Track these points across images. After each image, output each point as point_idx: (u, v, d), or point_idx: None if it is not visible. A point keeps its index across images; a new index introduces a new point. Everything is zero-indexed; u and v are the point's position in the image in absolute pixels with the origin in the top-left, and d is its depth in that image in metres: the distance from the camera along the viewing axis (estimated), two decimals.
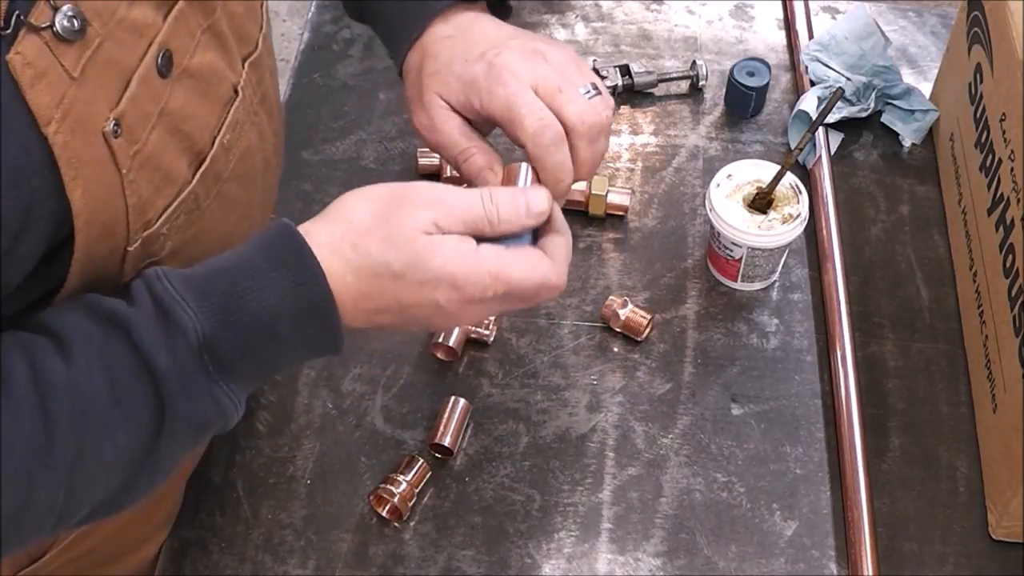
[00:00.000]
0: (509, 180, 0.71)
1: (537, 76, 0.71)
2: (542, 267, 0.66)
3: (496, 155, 0.73)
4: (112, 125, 0.59)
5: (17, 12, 0.53)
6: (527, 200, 0.67)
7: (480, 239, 0.65)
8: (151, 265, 0.67)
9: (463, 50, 0.74)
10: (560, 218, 0.70)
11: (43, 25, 0.54)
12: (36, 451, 0.56)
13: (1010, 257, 0.87)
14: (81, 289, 0.63)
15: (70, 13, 0.56)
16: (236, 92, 0.72)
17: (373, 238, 0.64)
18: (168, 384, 0.59)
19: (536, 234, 0.69)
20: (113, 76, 0.60)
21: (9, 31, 0.53)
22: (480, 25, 0.76)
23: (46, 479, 0.57)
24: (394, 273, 0.64)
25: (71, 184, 0.57)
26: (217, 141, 0.70)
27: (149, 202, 0.64)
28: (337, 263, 0.63)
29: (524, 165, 0.70)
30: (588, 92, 0.71)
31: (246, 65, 0.74)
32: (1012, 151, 0.88)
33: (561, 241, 0.69)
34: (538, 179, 0.70)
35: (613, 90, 1.16)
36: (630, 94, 1.18)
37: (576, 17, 1.27)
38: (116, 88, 0.60)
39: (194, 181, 0.68)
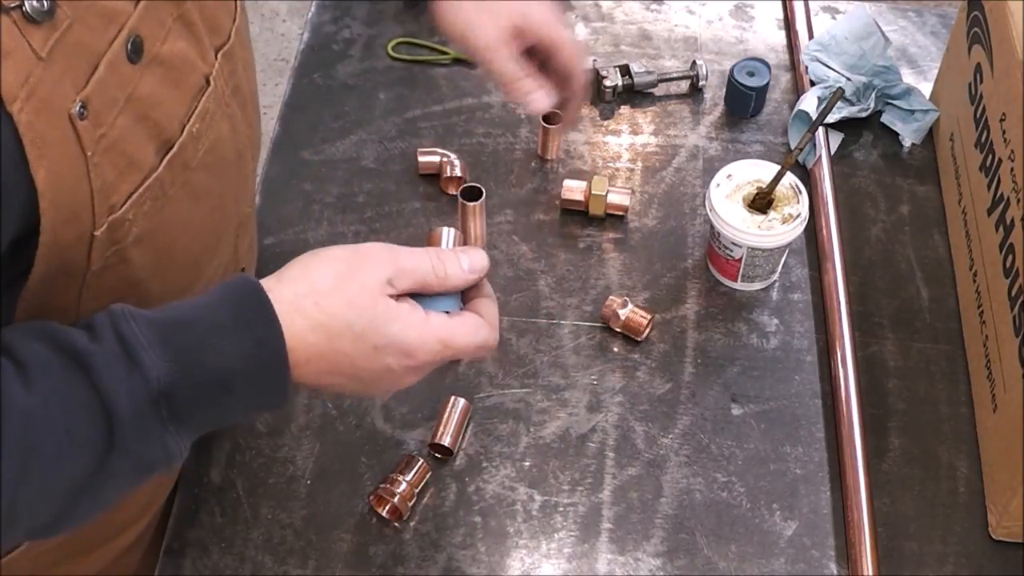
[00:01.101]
0: (433, 242, 0.78)
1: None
2: (482, 331, 0.71)
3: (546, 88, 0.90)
4: (78, 107, 0.60)
5: None
6: (469, 259, 0.72)
7: (421, 298, 0.70)
8: (118, 252, 0.67)
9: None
10: (488, 285, 0.75)
11: (12, 5, 0.55)
12: None
13: (1010, 257, 0.87)
14: (48, 278, 0.63)
15: None
16: (208, 82, 0.73)
17: (336, 298, 0.66)
18: (122, 426, 0.59)
19: (464, 299, 0.74)
20: (81, 59, 0.60)
21: None
22: None
23: None
24: (354, 334, 0.66)
25: (35, 164, 0.58)
26: (186, 129, 0.71)
27: (113, 186, 0.65)
28: (300, 321, 0.65)
29: (448, 229, 0.77)
30: None
31: (219, 56, 0.74)
32: (1012, 151, 0.88)
33: (492, 305, 0.74)
34: (462, 241, 0.77)
35: (613, 90, 1.17)
36: (630, 94, 1.18)
37: (576, 17, 1.27)
38: (84, 71, 0.61)
39: (160, 167, 0.69)
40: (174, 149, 0.70)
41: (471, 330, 0.71)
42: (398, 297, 0.68)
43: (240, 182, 0.83)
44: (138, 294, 0.72)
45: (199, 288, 0.81)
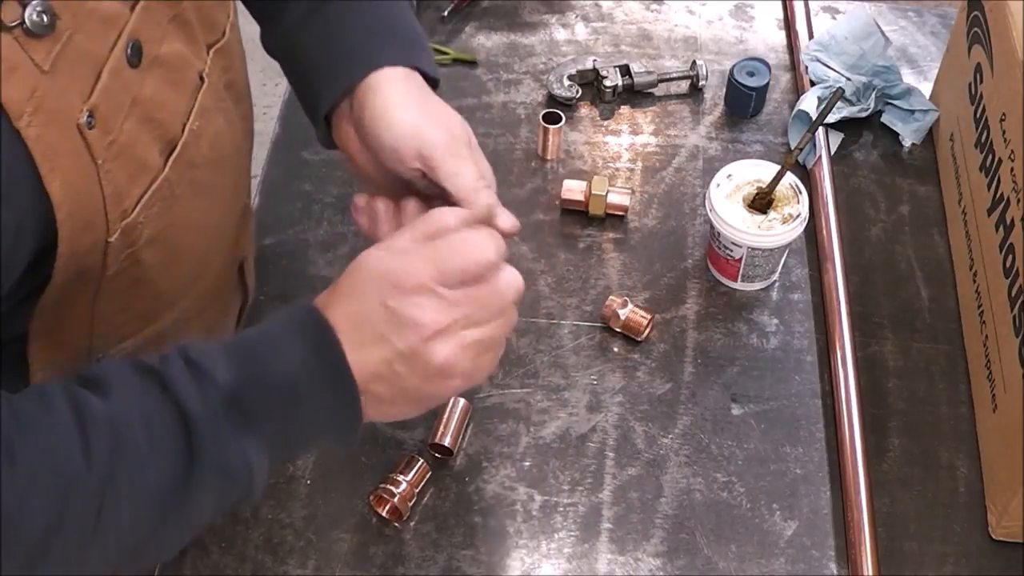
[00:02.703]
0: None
1: (465, 132, 0.75)
2: (479, 237, 0.67)
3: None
4: (86, 117, 0.60)
5: None
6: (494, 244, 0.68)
7: None
8: (131, 255, 0.68)
9: (402, 98, 0.74)
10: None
11: (13, 24, 0.55)
12: (74, 469, 0.56)
13: (1010, 257, 0.87)
14: (68, 284, 0.63)
15: (39, 8, 0.56)
16: (202, 79, 0.73)
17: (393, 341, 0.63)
18: (200, 428, 0.59)
19: None
20: (84, 68, 0.60)
21: None
22: (415, 80, 0.77)
23: (80, 502, 0.56)
24: (404, 374, 0.64)
25: (48, 177, 0.58)
26: (187, 128, 0.71)
27: (125, 191, 0.65)
28: (352, 336, 0.63)
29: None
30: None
31: (211, 52, 0.74)
32: (1012, 151, 0.88)
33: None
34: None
35: (613, 90, 1.17)
36: (630, 94, 1.18)
37: (576, 17, 1.27)
38: (88, 80, 0.61)
39: (167, 168, 0.69)
40: (178, 148, 0.70)
41: (503, 281, 0.67)
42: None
43: (239, 174, 0.84)
44: (147, 292, 0.73)
45: (205, 281, 0.81)
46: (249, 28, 0.83)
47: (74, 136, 0.60)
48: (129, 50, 0.64)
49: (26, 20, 0.55)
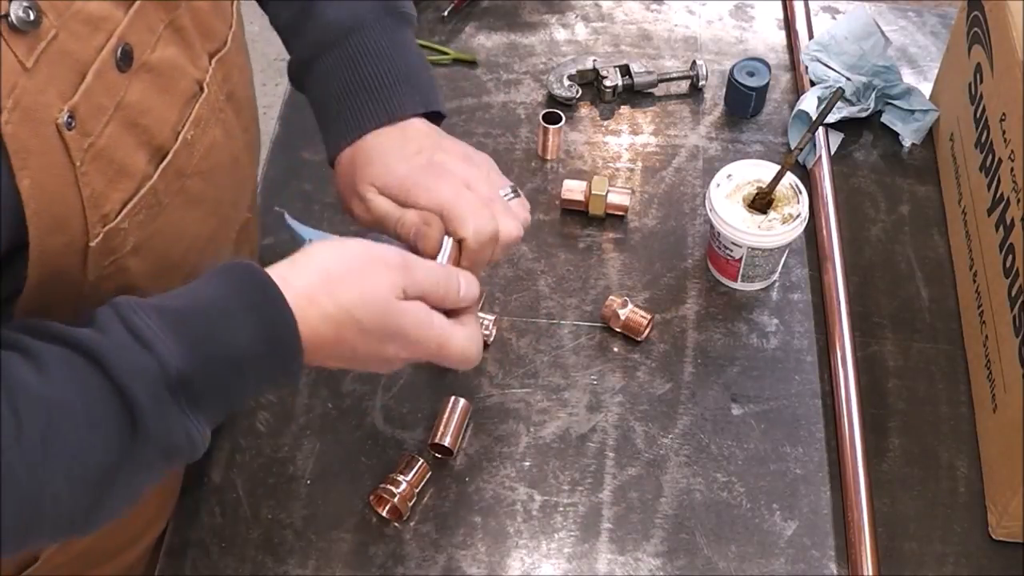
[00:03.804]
0: (428, 248, 0.77)
1: (469, 176, 0.79)
2: (474, 346, 0.74)
3: (426, 213, 0.77)
4: (66, 117, 0.60)
5: None
6: (465, 284, 0.74)
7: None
8: (115, 262, 0.67)
9: (399, 146, 0.79)
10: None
11: None
12: (8, 453, 0.55)
13: (1010, 257, 0.87)
14: (43, 289, 0.63)
15: (25, 3, 0.56)
16: (201, 88, 0.72)
17: (349, 291, 0.67)
18: (142, 409, 0.59)
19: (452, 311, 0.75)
20: (67, 68, 0.60)
21: None
22: (414, 125, 0.81)
23: (15, 484, 0.55)
24: (363, 329, 0.68)
25: (19, 174, 0.57)
26: (180, 136, 0.70)
27: (104, 195, 0.64)
28: (313, 312, 0.66)
29: (447, 239, 0.76)
30: (508, 195, 0.80)
31: (213, 61, 0.74)
32: (1012, 151, 0.88)
33: (475, 321, 0.76)
34: (458, 252, 0.76)
35: (613, 90, 1.17)
36: (630, 94, 1.18)
37: (576, 17, 1.27)
38: (70, 80, 0.60)
39: (155, 176, 0.68)
40: (168, 157, 0.69)
41: (465, 342, 0.73)
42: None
43: (237, 187, 0.83)
44: None
45: None
46: (249, 29, 0.83)
47: (51, 135, 0.59)
48: (119, 53, 0.63)
49: (11, 14, 0.55)
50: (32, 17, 0.56)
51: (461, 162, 0.79)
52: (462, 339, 0.73)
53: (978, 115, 0.98)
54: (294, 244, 0.73)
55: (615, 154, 1.13)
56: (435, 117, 0.83)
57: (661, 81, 1.18)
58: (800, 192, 0.97)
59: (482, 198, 0.77)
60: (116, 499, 0.61)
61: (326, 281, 0.67)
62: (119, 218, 0.66)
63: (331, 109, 0.82)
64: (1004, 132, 0.90)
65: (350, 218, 0.82)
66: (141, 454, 0.60)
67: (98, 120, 0.63)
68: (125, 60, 0.64)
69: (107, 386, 0.58)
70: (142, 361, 0.59)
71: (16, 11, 0.55)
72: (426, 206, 0.77)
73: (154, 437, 0.60)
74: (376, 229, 0.79)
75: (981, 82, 0.97)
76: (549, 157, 1.13)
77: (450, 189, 0.77)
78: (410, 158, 0.79)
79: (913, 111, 1.12)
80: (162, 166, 0.69)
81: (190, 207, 0.73)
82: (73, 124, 0.60)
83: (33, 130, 0.58)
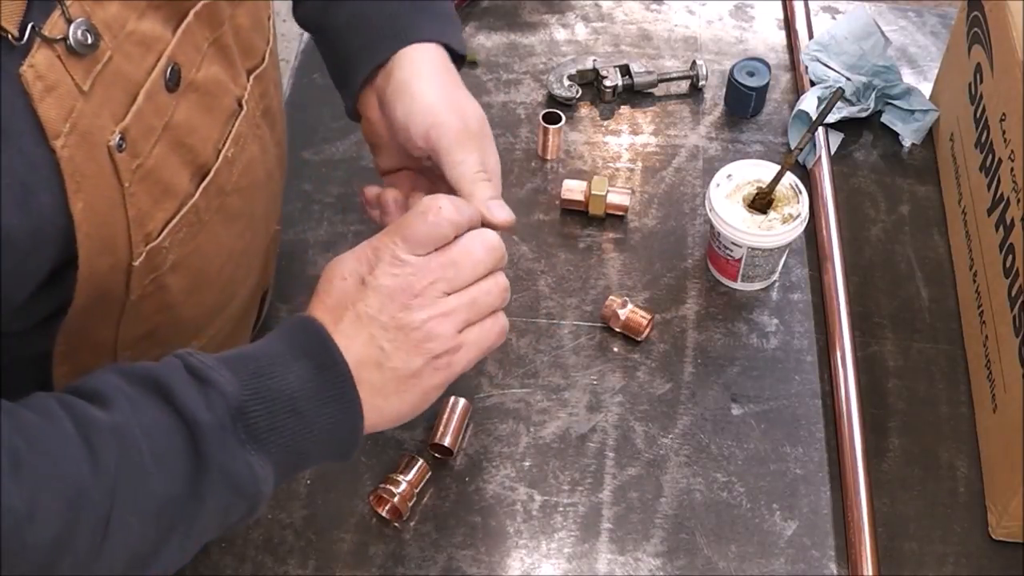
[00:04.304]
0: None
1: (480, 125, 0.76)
2: (483, 234, 0.68)
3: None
4: (117, 139, 0.59)
5: (32, 23, 0.53)
6: (454, 205, 0.68)
7: None
8: (155, 280, 0.67)
9: (427, 77, 0.76)
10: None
11: (57, 38, 0.54)
12: (84, 481, 0.54)
13: (1010, 257, 0.87)
14: (88, 307, 0.63)
15: (84, 27, 0.55)
16: (240, 105, 0.72)
17: (334, 293, 0.66)
18: (207, 438, 0.58)
19: None
20: (120, 90, 0.60)
21: (23, 42, 0.53)
22: (442, 60, 0.79)
23: (89, 513, 0.55)
24: (370, 315, 0.65)
25: (73, 197, 0.57)
26: (221, 154, 0.70)
27: (149, 215, 0.64)
28: (346, 343, 0.64)
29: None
30: None
31: (251, 78, 0.74)
32: (1012, 151, 0.88)
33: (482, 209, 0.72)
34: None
35: (613, 90, 1.17)
36: (630, 94, 1.18)
37: (576, 17, 1.27)
38: (123, 102, 0.60)
39: (197, 194, 0.68)
40: (210, 175, 0.69)
41: (468, 238, 0.67)
42: None
43: (270, 201, 0.82)
44: (172, 318, 0.72)
45: (232, 309, 0.81)
46: None
47: (103, 158, 0.59)
48: (168, 73, 0.63)
49: (70, 38, 0.55)
50: (91, 40, 0.56)
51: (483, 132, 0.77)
52: (474, 242, 0.67)
53: (978, 115, 0.98)
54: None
55: (615, 154, 1.13)
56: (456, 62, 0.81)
57: (661, 81, 1.18)
58: (800, 192, 0.97)
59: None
60: (185, 535, 0.60)
61: (320, 300, 0.66)
62: (161, 237, 0.66)
63: (374, 23, 0.79)
64: (1004, 132, 0.90)
65: (371, 147, 0.81)
66: (207, 486, 0.59)
67: (147, 141, 0.62)
68: (174, 80, 0.63)
69: (170, 416, 0.58)
70: (203, 392, 0.59)
71: (75, 34, 0.55)
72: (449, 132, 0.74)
73: (219, 467, 0.59)
74: (381, 159, 0.78)
75: (981, 82, 0.97)
76: (549, 157, 1.13)
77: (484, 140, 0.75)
78: (449, 88, 0.77)
79: (913, 111, 1.12)
80: (204, 184, 0.69)
81: (228, 223, 0.73)
82: (124, 146, 0.60)
83: (88, 153, 0.58)
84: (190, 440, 0.58)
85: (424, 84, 0.75)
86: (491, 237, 0.69)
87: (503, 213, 0.73)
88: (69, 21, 0.55)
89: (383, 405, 0.66)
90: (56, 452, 0.54)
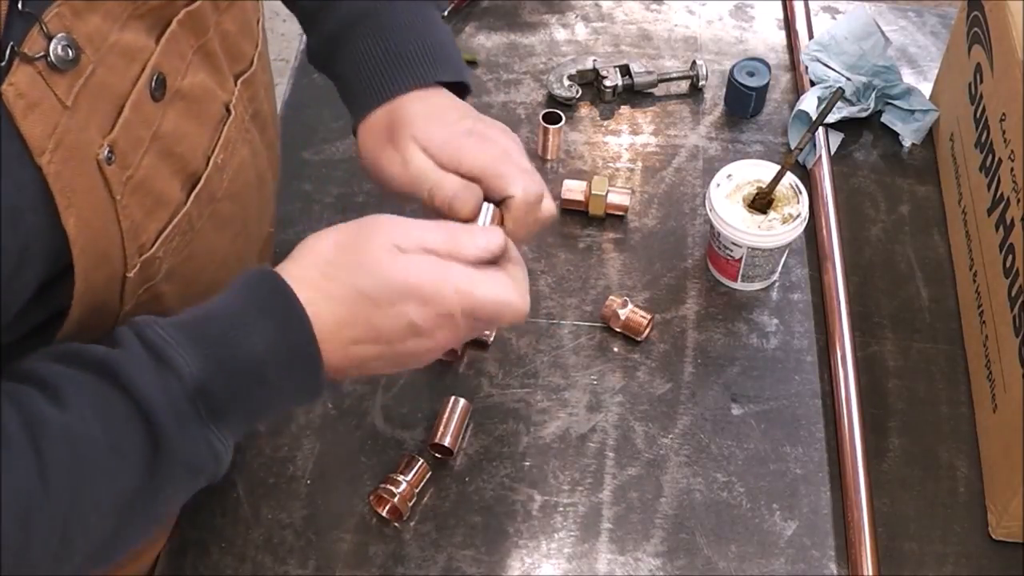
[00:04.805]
0: (467, 216, 0.74)
1: (509, 147, 0.76)
2: (507, 289, 0.67)
3: (465, 182, 0.73)
4: (106, 152, 0.59)
5: (11, 43, 0.53)
6: (486, 238, 0.69)
7: None
8: (149, 289, 0.67)
9: (440, 112, 0.76)
10: (516, 251, 0.71)
11: (37, 55, 0.54)
12: (32, 494, 0.54)
13: (1010, 257, 0.87)
14: (84, 319, 0.62)
15: (64, 42, 0.55)
16: (228, 111, 0.72)
17: (346, 266, 0.65)
18: (164, 426, 0.58)
19: None
20: (106, 102, 0.59)
21: (3, 62, 0.52)
22: (449, 94, 0.79)
23: (42, 524, 0.54)
24: (366, 296, 0.64)
25: (65, 213, 0.57)
26: (211, 161, 0.70)
27: (142, 226, 0.64)
28: (318, 297, 0.63)
29: (487, 205, 0.73)
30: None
31: (239, 83, 0.73)
32: (1012, 151, 0.88)
33: (519, 270, 0.70)
34: (500, 219, 0.73)
35: (613, 90, 1.17)
36: (630, 94, 1.18)
37: (576, 17, 1.27)
38: (109, 114, 0.60)
39: (188, 203, 0.68)
40: (200, 182, 0.69)
41: (492, 284, 0.67)
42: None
43: (262, 204, 0.82)
44: None
45: None
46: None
47: (93, 172, 0.59)
48: (153, 83, 0.62)
49: (50, 54, 0.54)
50: (72, 55, 0.55)
51: (501, 133, 0.77)
52: (490, 283, 0.66)
53: (978, 115, 0.98)
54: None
55: (615, 154, 1.13)
56: (460, 93, 0.81)
57: (661, 81, 1.18)
58: (800, 192, 0.97)
59: (525, 166, 0.75)
60: (141, 522, 0.60)
61: (323, 264, 0.65)
62: (155, 247, 0.65)
63: (363, 75, 0.79)
64: (1004, 132, 0.90)
65: (375, 184, 0.79)
66: (166, 473, 0.59)
67: (136, 152, 0.62)
68: (159, 89, 0.63)
69: (127, 406, 0.58)
70: (160, 375, 0.58)
71: (56, 50, 0.54)
72: (470, 168, 0.73)
73: (178, 453, 0.59)
74: (406, 191, 0.76)
75: (981, 82, 0.97)
76: (549, 157, 1.13)
77: (496, 151, 0.74)
78: (451, 123, 0.75)
79: (913, 111, 1.12)
80: (195, 192, 0.68)
81: (220, 229, 0.73)
82: (113, 158, 0.60)
83: (77, 168, 0.57)
84: (147, 428, 0.58)
85: (411, 150, 0.75)
86: (519, 304, 0.69)
87: (545, 215, 0.74)
88: (49, 37, 0.54)
89: (352, 357, 0.66)
90: (3, 464, 0.53)
